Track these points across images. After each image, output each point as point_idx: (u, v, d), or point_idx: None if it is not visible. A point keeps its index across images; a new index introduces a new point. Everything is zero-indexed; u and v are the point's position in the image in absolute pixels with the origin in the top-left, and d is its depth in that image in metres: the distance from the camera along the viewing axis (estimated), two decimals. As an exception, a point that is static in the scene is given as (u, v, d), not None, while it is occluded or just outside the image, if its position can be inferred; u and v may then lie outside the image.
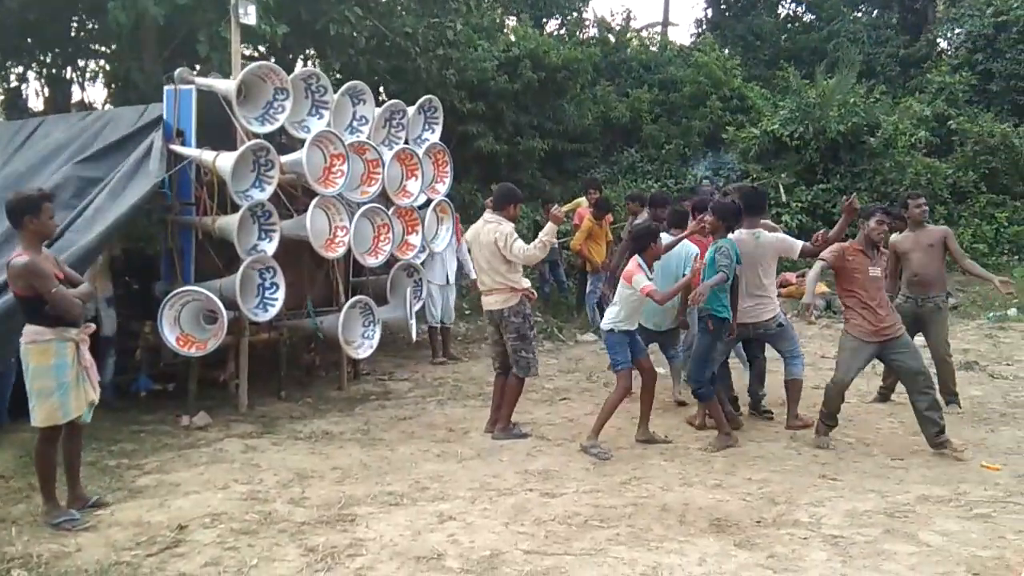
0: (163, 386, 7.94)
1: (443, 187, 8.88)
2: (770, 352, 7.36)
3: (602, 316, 11.30)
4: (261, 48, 12.83)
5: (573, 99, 16.35)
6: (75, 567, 4.36)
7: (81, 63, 14.64)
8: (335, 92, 7.86)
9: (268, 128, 7.33)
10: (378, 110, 8.33)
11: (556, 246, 11.60)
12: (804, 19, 22.86)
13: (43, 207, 4.80)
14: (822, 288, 11.66)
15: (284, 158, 7.34)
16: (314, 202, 7.39)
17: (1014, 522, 4.79)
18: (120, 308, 7.72)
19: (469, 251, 7.54)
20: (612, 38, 19.90)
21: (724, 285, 6.34)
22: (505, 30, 17.78)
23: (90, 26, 13.11)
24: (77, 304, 4.81)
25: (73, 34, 13.24)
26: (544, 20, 20.84)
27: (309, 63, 13.60)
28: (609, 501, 5.26)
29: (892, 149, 15.14)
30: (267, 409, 7.69)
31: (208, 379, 7.66)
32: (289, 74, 7.57)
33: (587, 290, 11.31)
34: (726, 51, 20.20)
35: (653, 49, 20.43)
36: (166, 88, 7.56)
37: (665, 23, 25.03)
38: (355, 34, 11.82)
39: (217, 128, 7.29)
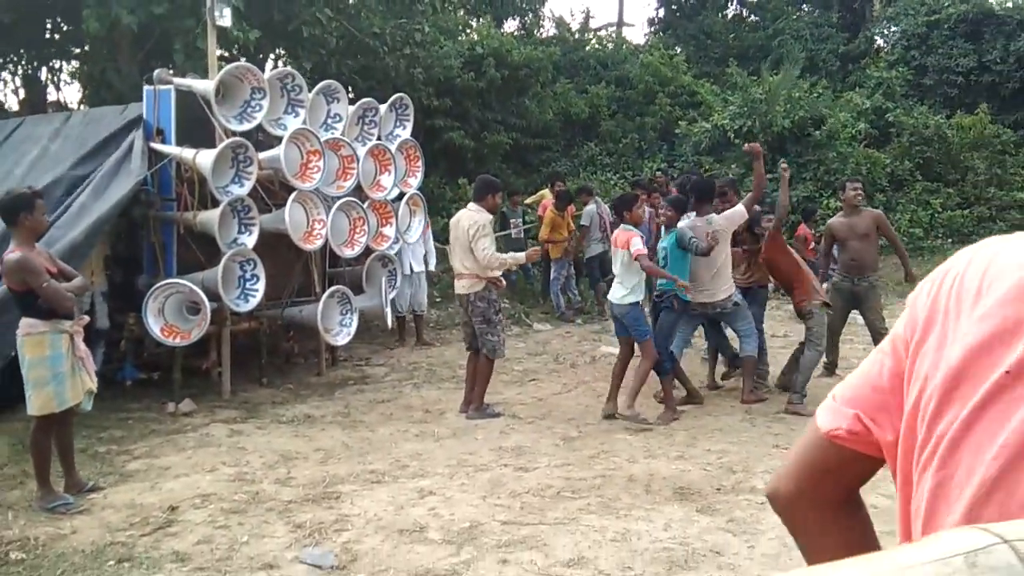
0: (148, 375, 7.86)
1: (415, 181, 8.88)
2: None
3: (567, 301, 11.53)
4: (233, 51, 12.70)
5: (535, 96, 16.41)
6: (71, 548, 4.36)
7: (56, 64, 14.39)
8: (310, 91, 7.83)
9: (246, 126, 7.28)
10: (351, 108, 8.31)
11: (523, 236, 11.71)
12: (750, 19, 23.07)
13: (36, 204, 4.78)
14: None
15: (262, 155, 7.30)
16: (292, 196, 7.36)
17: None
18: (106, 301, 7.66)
19: (447, 238, 7.60)
20: (571, 37, 19.96)
21: (686, 268, 6.52)
22: (468, 30, 17.77)
23: (64, 28, 12.88)
24: (69, 297, 4.79)
25: (48, 36, 13.00)
26: (504, 20, 20.83)
27: (280, 63, 13.49)
28: (579, 474, 5.35)
29: (835, 141, 15.39)
30: (250, 395, 7.68)
31: (192, 367, 7.62)
32: (264, 74, 7.54)
33: (551, 277, 11.41)
34: (677, 49, 20.36)
35: (609, 47, 20.52)
36: (145, 88, 7.49)
37: (620, 23, 25.13)
38: (326, 35, 11.76)
39: (196, 126, 7.24)
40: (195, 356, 7.62)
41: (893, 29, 19.14)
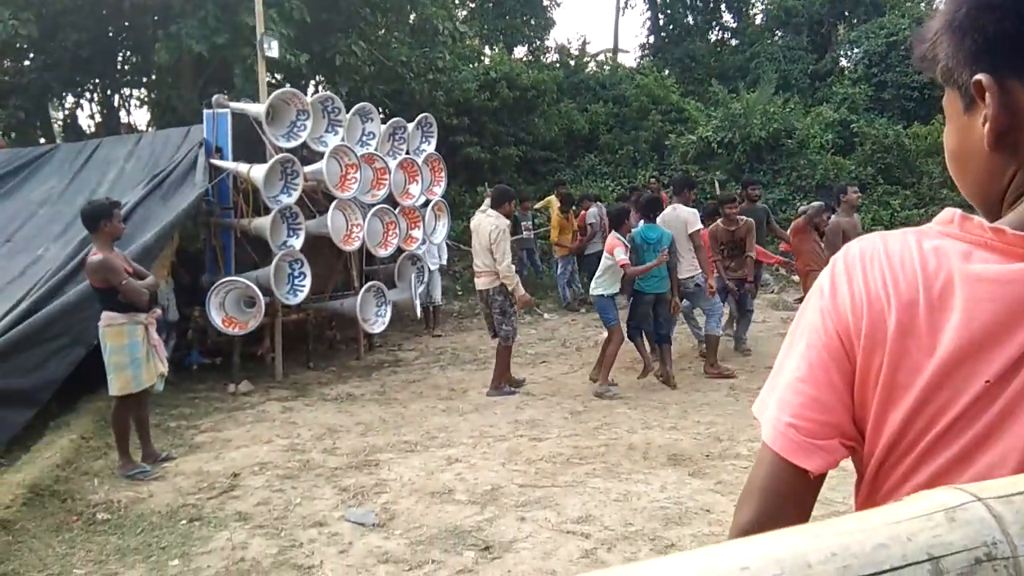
0: (212, 360, 7.93)
1: (439, 189, 8.88)
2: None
3: (572, 293, 11.52)
4: (279, 76, 12.74)
5: (542, 114, 16.35)
6: (149, 509, 4.41)
7: (127, 91, 14.47)
8: (347, 112, 7.84)
9: (293, 143, 7.30)
10: (383, 127, 8.32)
11: (532, 236, 11.71)
12: (730, 43, 22.89)
13: (113, 213, 4.82)
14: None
15: (307, 168, 7.32)
16: (333, 204, 7.39)
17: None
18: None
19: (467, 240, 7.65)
20: (572, 62, 19.88)
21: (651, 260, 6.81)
22: (483, 57, 17.73)
23: (134, 60, 12.95)
24: (144, 293, 4.82)
25: (119, 67, 13.07)
26: (514, 47, 20.78)
27: (320, 88, 13.52)
28: (585, 443, 5.36)
29: (805, 149, 15.27)
30: (299, 377, 7.72)
31: (249, 353, 7.67)
32: (308, 98, 7.56)
33: (558, 272, 11.40)
34: (666, 71, 20.23)
35: (607, 70, 20.42)
36: (205, 111, 7.52)
37: (615, 49, 24.96)
38: (360, 64, 11.77)
39: (250, 144, 7.27)
40: (251, 343, 7.68)
41: (856, 50, 18.93)
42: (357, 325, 8.11)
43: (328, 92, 8.59)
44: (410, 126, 8.67)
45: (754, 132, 15.07)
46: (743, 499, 0.86)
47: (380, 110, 12.33)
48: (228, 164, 7.27)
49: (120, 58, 12.95)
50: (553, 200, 11.74)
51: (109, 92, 13.95)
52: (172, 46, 9.68)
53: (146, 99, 14.48)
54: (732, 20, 23.34)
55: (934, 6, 18.58)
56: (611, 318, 6.80)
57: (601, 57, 22.42)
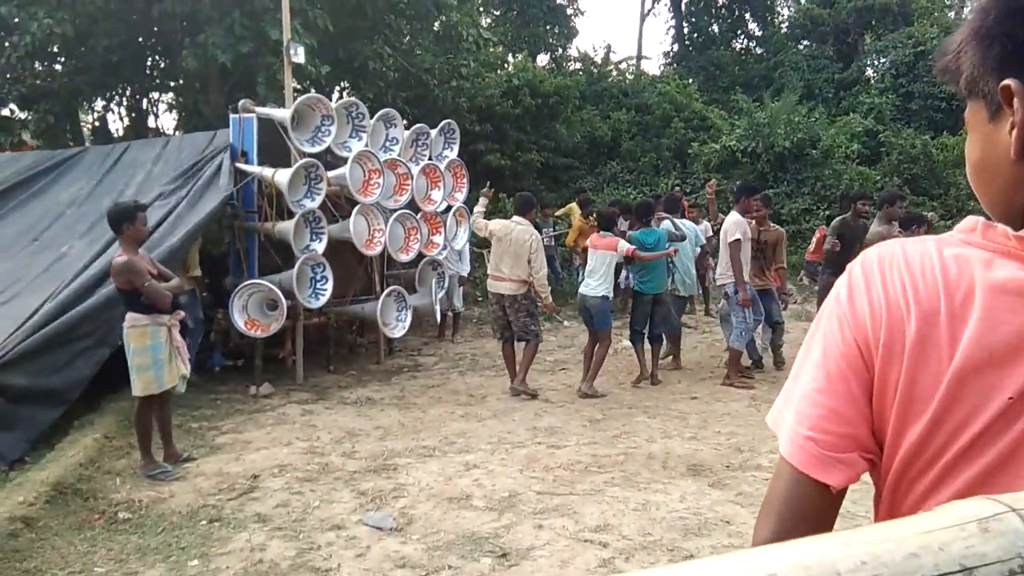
0: (233, 362, 7.98)
1: (461, 195, 8.90)
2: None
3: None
4: (305, 83, 12.86)
5: (564, 121, 16.36)
6: (170, 509, 4.44)
7: (155, 96, 14.68)
8: (371, 118, 7.89)
9: (317, 148, 7.35)
10: (406, 132, 8.36)
11: (553, 243, 11.71)
12: (755, 51, 22.78)
13: (137, 216, 4.86)
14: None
15: (331, 173, 7.36)
16: (356, 209, 7.42)
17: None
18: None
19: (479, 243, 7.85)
20: (595, 70, 19.88)
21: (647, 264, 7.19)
22: (506, 64, 17.78)
23: (162, 65, 13.14)
24: (167, 295, 4.87)
25: (148, 72, 13.26)
26: (537, 55, 20.82)
27: (345, 94, 13.63)
28: (604, 451, 5.33)
29: (830, 159, 15.14)
30: (319, 380, 7.75)
31: (270, 356, 7.72)
32: (332, 104, 7.62)
33: (579, 279, 11.37)
34: (690, 80, 20.17)
35: (630, 78, 20.41)
36: (231, 116, 7.59)
37: (639, 56, 24.94)
38: (384, 70, 11.85)
39: (275, 149, 7.33)
40: (273, 346, 7.72)
41: (883, 60, 18.77)
42: (377, 329, 8.13)
43: (353, 98, 8.64)
44: (433, 132, 8.71)
45: (778, 141, 14.97)
46: (762, 514, 0.84)
47: (404, 116, 12.45)
48: (253, 168, 7.33)
49: (149, 63, 13.14)
50: (574, 207, 11.75)
51: (138, 96, 14.16)
52: (199, 54, 9.82)
53: (174, 103, 14.69)
54: (757, 29, 23.24)
55: (963, 15, 18.42)
56: (607, 323, 7.03)
57: (624, 65, 22.40)
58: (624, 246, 6.87)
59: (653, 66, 29.67)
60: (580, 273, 11.27)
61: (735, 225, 7.04)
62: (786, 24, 22.34)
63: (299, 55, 7.83)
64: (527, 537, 3.94)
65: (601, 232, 7.24)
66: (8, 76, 11.26)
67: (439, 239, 8.56)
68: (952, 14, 20.01)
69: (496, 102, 14.88)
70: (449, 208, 8.70)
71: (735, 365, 7.25)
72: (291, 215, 7.11)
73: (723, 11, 23.16)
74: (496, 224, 7.09)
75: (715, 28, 23.19)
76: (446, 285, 8.78)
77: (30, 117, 12.72)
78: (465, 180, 8.98)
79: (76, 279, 6.15)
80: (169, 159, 7.78)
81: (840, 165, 15.09)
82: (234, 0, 10.05)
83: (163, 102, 15.00)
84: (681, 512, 4.21)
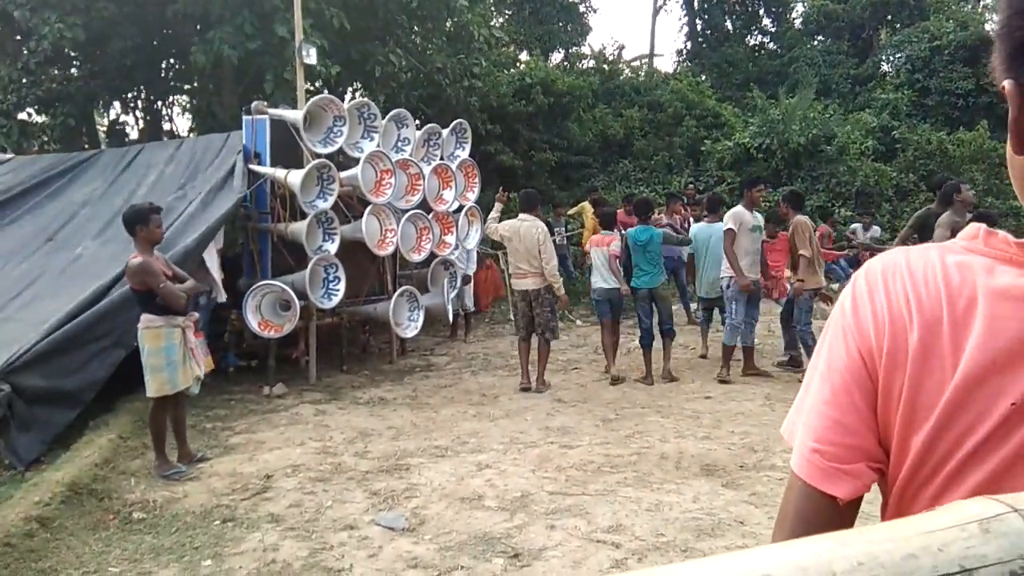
0: (247, 362, 8.03)
1: (472, 195, 8.91)
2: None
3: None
4: (317, 84, 12.92)
5: (576, 119, 16.33)
6: (184, 509, 4.47)
7: (169, 99, 14.79)
8: (383, 119, 7.91)
9: (329, 149, 7.38)
10: (418, 133, 8.38)
11: (565, 242, 11.70)
12: (769, 47, 22.65)
13: (151, 218, 4.89)
14: None
15: (343, 174, 7.39)
16: (368, 209, 7.45)
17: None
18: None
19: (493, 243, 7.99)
20: (607, 68, 19.84)
21: (644, 259, 7.44)
22: (519, 63, 17.78)
23: (177, 67, 13.23)
24: (182, 297, 4.90)
25: (163, 75, 13.36)
26: (550, 53, 20.81)
27: (357, 95, 13.66)
28: (617, 451, 5.32)
29: (845, 156, 15.02)
30: (332, 380, 7.78)
31: (284, 356, 7.77)
32: (344, 105, 7.64)
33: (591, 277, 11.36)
34: (703, 76, 20.08)
35: (642, 76, 20.35)
36: (244, 118, 7.63)
37: (651, 54, 24.89)
38: (397, 71, 11.88)
39: (287, 150, 7.37)
40: (286, 346, 7.77)
41: (898, 55, 18.60)
42: (390, 329, 8.15)
43: (365, 99, 8.66)
44: (444, 132, 8.72)
45: (792, 138, 14.86)
46: (777, 527, 0.85)
47: (416, 116, 12.50)
48: (266, 169, 7.37)
49: (163, 66, 13.24)
50: (587, 206, 11.73)
51: (153, 99, 14.28)
52: (208, 50, 9.88)
53: (188, 105, 14.79)
54: (771, 25, 23.09)
55: (978, 9, 18.21)
56: (621, 306, 7.49)
57: (636, 63, 22.33)
58: (616, 246, 7.28)
59: (666, 63, 29.60)
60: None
61: (731, 216, 7.24)
62: (800, 19, 22.19)
63: (311, 56, 7.86)
64: (539, 537, 3.93)
65: (603, 231, 7.72)
66: (25, 80, 11.38)
67: (451, 239, 8.57)
68: (968, 7, 19.80)
69: (508, 101, 14.89)
70: (461, 208, 8.71)
71: (727, 358, 7.38)
72: (304, 216, 7.15)
73: (736, 7, 23.04)
74: (504, 226, 7.19)
75: (728, 24, 23.08)
76: (458, 284, 8.79)
77: (48, 121, 12.84)
78: (477, 180, 8.99)
79: (92, 281, 6.20)
80: (182, 160, 7.84)
81: (855, 161, 14.96)
82: (244, 0, 10.11)
83: (177, 104, 15.13)
84: (694, 512, 4.19)
